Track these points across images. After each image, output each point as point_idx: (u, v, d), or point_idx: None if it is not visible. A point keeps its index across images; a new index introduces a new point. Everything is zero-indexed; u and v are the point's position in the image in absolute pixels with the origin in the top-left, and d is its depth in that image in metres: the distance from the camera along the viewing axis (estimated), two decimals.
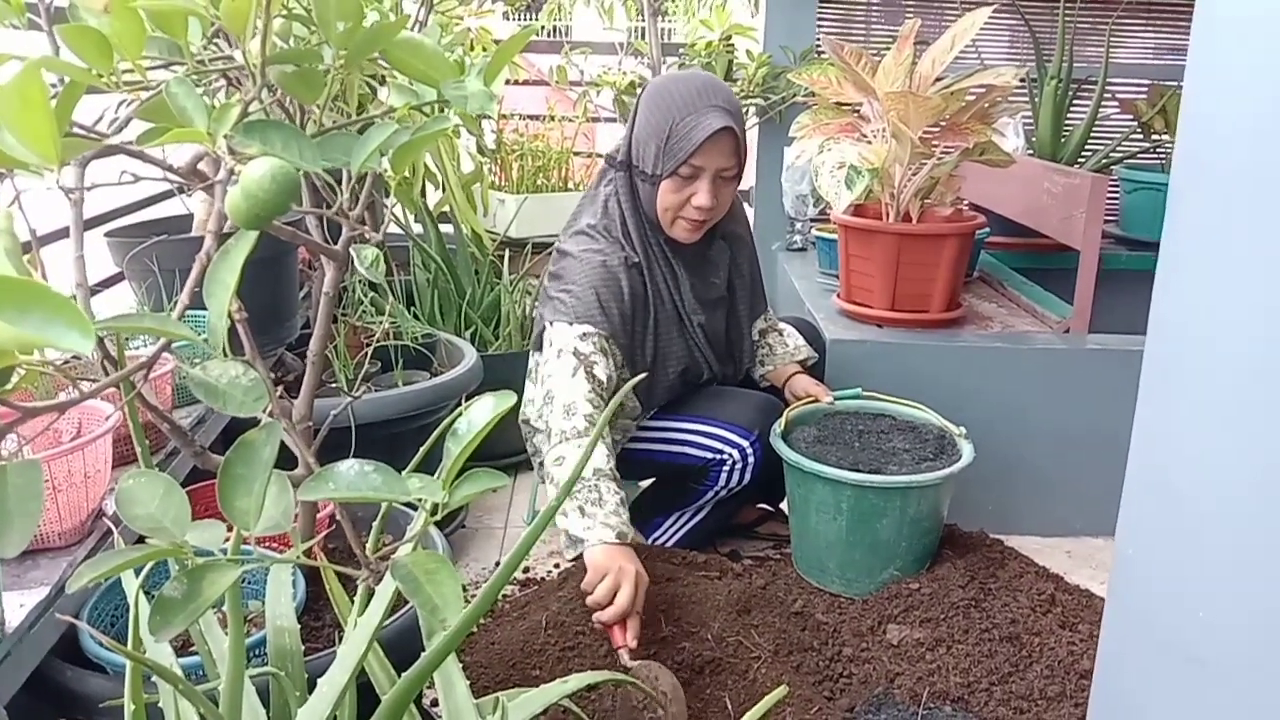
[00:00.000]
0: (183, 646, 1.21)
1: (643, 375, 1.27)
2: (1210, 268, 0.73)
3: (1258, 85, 0.69)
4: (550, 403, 1.75)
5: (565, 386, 1.74)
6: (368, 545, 0.93)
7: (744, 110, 3.30)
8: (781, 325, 2.24)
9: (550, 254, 2.79)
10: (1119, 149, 3.39)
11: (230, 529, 0.68)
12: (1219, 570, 0.70)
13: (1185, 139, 0.76)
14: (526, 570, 2.11)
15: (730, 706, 1.54)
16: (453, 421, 0.70)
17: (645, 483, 2.21)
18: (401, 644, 1.21)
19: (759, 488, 2.15)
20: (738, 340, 2.12)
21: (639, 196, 1.90)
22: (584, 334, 1.79)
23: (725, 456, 1.94)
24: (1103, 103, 3.25)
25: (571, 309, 1.82)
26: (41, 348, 0.34)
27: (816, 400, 2.08)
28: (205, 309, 0.63)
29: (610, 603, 1.49)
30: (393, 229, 2.92)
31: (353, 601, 1.03)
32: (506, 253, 2.90)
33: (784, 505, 2.31)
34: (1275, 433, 0.66)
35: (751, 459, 1.94)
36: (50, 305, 0.34)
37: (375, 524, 1.05)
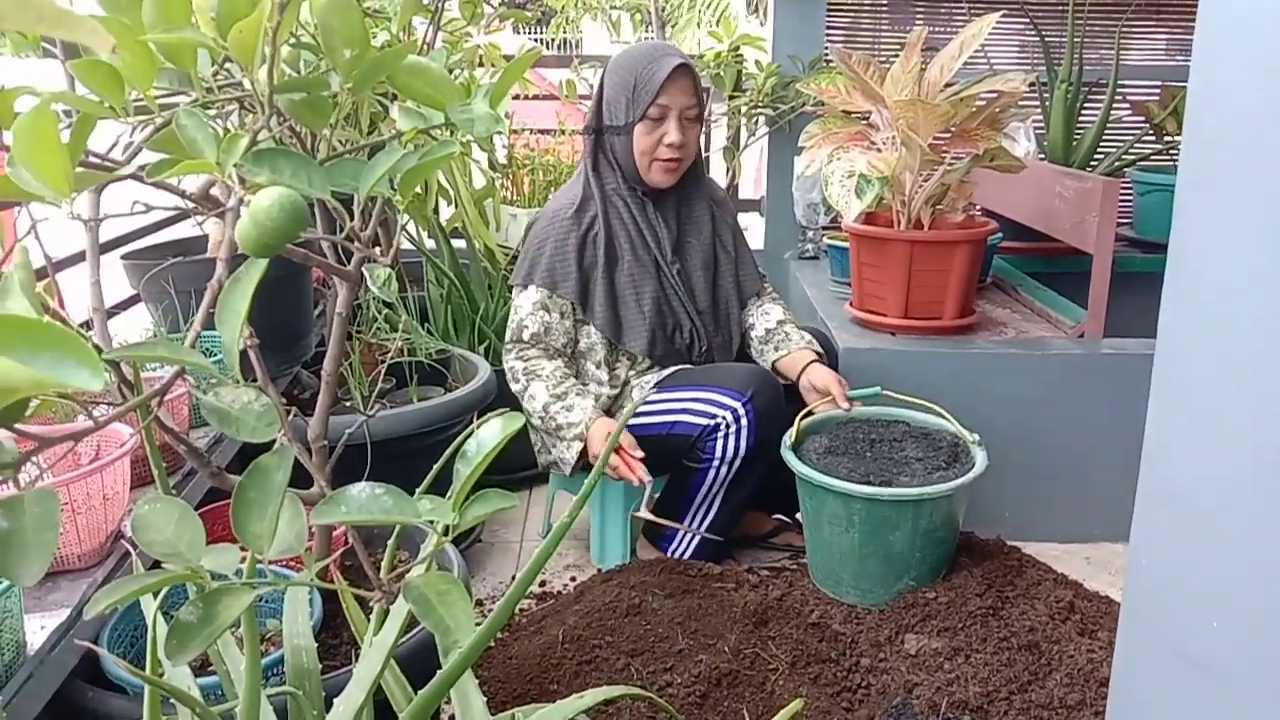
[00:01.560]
0: (201, 666, 1.22)
1: (645, 392, 1.32)
2: (1217, 273, 0.73)
3: (1261, 86, 0.69)
4: (505, 362, 2.09)
5: (506, 356, 2.08)
6: (383, 563, 0.94)
7: (754, 120, 3.31)
8: (796, 319, 2.27)
9: None
10: (1131, 151, 3.37)
11: (245, 551, 0.68)
12: (1232, 579, 0.70)
13: (1190, 143, 0.76)
14: (543, 584, 2.11)
15: (748, 719, 1.53)
16: (463, 442, 0.70)
17: (657, 494, 2.21)
18: (418, 661, 1.21)
19: (773, 498, 2.15)
20: (726, 308, 2.21)
21: (613, 153, 2.10)
22: (528, 298, 2.07)
23: (719, 420, 1.95)
24: (1114, 105, 3.24)
25: (520, 272, 2.10)
26: (52, 388, 0.35)
27: (832, 403, 2.06)
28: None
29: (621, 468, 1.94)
30: (406, 245, 2.93)
31: (369, 618, 1.03)
32: None
33: (799, 516, 2.31)
34: None
35: (745, 420, 1.96)
36: (60, 344, 0.35)
37: (390, 543, 1.06)
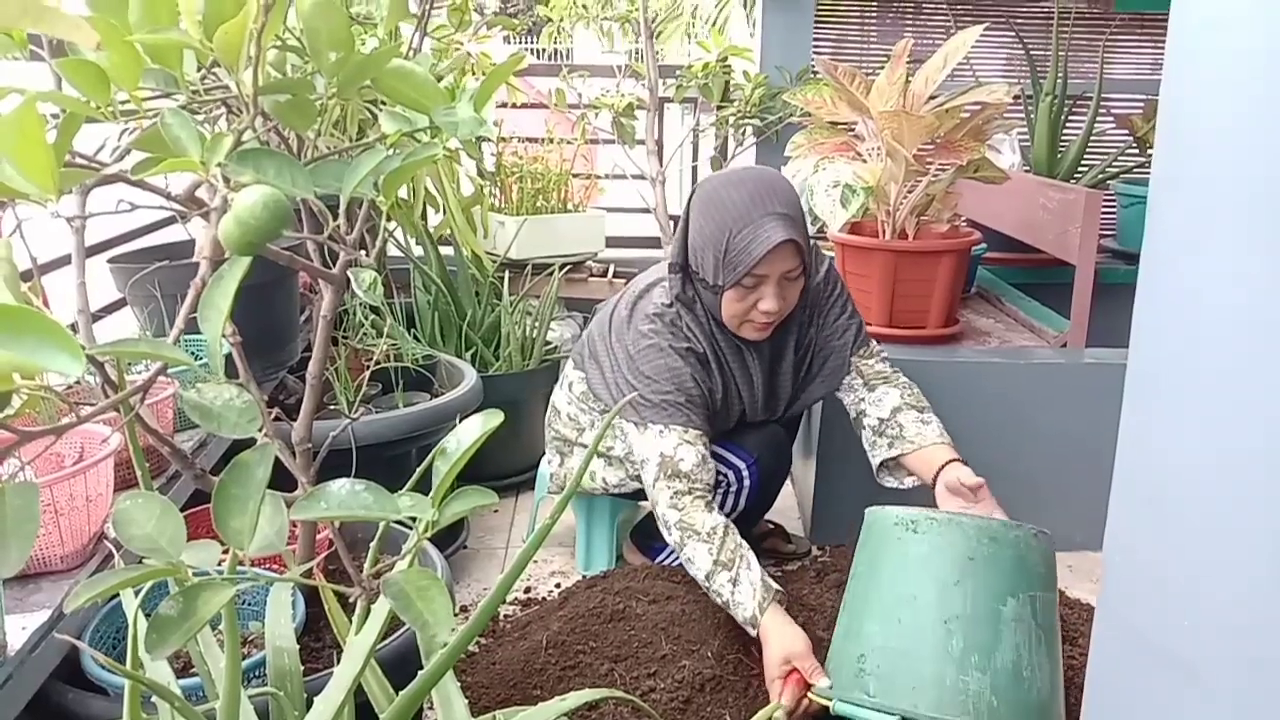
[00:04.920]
0: (184, 668, 1.22)
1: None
2: (1189, 276, 0.74)
3: (1233, 90, 0.70)
4: (657, 509, 1.77)
5: (658, 495, 1.75)
6: (366, 564, 0.94)
7: (741, 130, 3.33)
8: (924, 405, 1.95)
9: (546, 274, 2.81)
10: (1115, 164, 3.41)
11: (226, 549, 0.69)
12: (1202, 576, 0.71)
13: (1162, 149, 0.78)
14: (528, 590, 2.11)
15: None
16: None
17: (647, 504, 2.22)
18: (401, 665, 1.22)
19: (761, 508, 2.15)
20: (794, 407, 2.03)
21: (701, 301, 1.83)
22: (662, 437, 1.77)
23: (720, 478, 1.94)
24: (1098, 118, 3.27)
25: (650, 410, 1.80)
26: (34, 372, 0.36)
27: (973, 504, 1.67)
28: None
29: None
30: (394, 252, 2.94)
31: (351, 622, 1.04)
32: (506, 274, 2.92)
33: (784, 524, 2.32)
34: (1253, 439, 0.67)
35: (747, 482, 1.94)
36: (42, 330, 0.35)
37: (373, 544, 1.06)
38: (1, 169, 0.58)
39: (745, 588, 1.62)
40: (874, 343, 2.03)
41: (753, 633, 1.60)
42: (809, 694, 1.49)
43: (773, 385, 1.96)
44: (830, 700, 1.44)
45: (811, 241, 1.87)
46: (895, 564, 1.48)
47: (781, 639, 1.55)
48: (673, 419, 1.77)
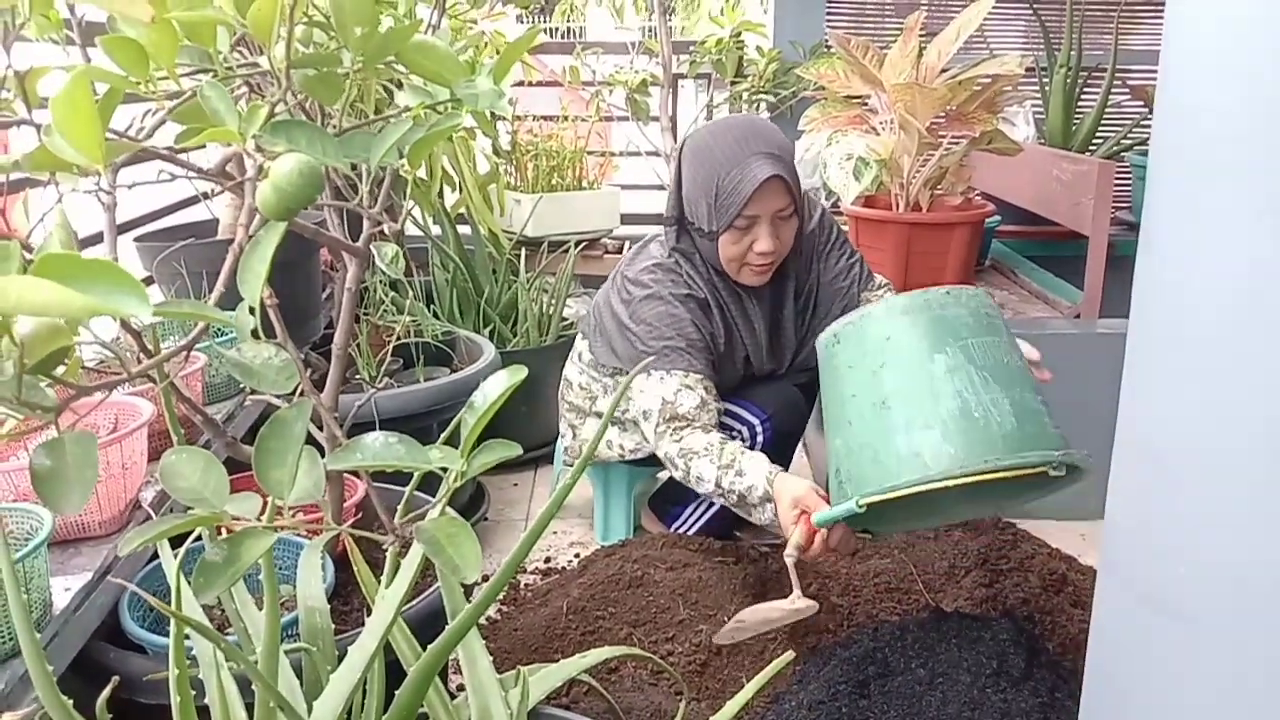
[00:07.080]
0: (220, 628, 1.27)
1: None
2: (1184, 243, 0.77)
3: (1229, 60, 0.72)
4: (660, 451, 1.83)
5: (659, 443, 1.82)
6: (398, 516, 0.98)
7: (755, 105, 3.34)
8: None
9: (562, 251, 2.84)
10: (1130, 135, 3.40)
11: (264, 504, 0.72)
12: (1196, 528, 0.74)
13: (1161, 115, 0.80)
14: (548, 560, 2.16)
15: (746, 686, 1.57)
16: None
17: (663, 474, 2.25)
18: (428, 627, 1.26)
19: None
20: (803, 355, 2.08)
21: (699, 251, 1.90)
22: (663, 384, 1.82)
23: (735, 433, 1.97)
24: (1113, 90, 3.27)
25: (651, 357, 1.85)
26: (109, 314, 0.39)
27: None
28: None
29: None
30: (412, 231, 2.97)
31: (380, 582, 1.08)
32: (523, 251, 2.95)
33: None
34: (1246, 401, 0.69)
35: (761, 438, 1.97)
36: (113, 278, 0.39)
37: (400, 506, 1.10)
38: (52, 140, 0.61)
39: (750, 472, 1.69)
40: (878, 276, 2.08)
41: (769, 513, 1.65)
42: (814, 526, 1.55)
43: (776, 333, 2.00)
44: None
45: (804, 190, 1.92)
46: (835, 378, 1.54)
47: (790, 491, 1.61)
48: (674, 364, 1.83)
